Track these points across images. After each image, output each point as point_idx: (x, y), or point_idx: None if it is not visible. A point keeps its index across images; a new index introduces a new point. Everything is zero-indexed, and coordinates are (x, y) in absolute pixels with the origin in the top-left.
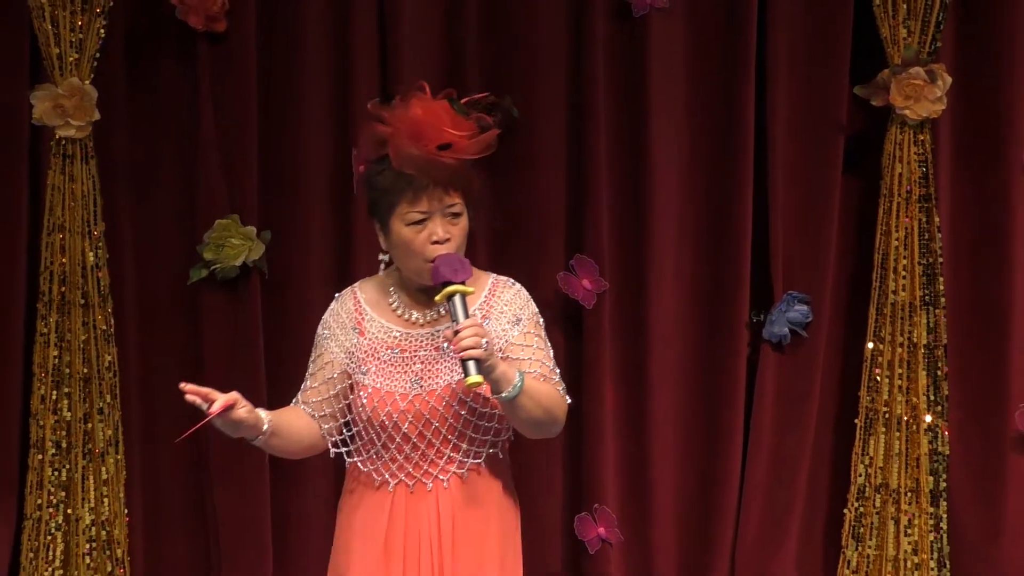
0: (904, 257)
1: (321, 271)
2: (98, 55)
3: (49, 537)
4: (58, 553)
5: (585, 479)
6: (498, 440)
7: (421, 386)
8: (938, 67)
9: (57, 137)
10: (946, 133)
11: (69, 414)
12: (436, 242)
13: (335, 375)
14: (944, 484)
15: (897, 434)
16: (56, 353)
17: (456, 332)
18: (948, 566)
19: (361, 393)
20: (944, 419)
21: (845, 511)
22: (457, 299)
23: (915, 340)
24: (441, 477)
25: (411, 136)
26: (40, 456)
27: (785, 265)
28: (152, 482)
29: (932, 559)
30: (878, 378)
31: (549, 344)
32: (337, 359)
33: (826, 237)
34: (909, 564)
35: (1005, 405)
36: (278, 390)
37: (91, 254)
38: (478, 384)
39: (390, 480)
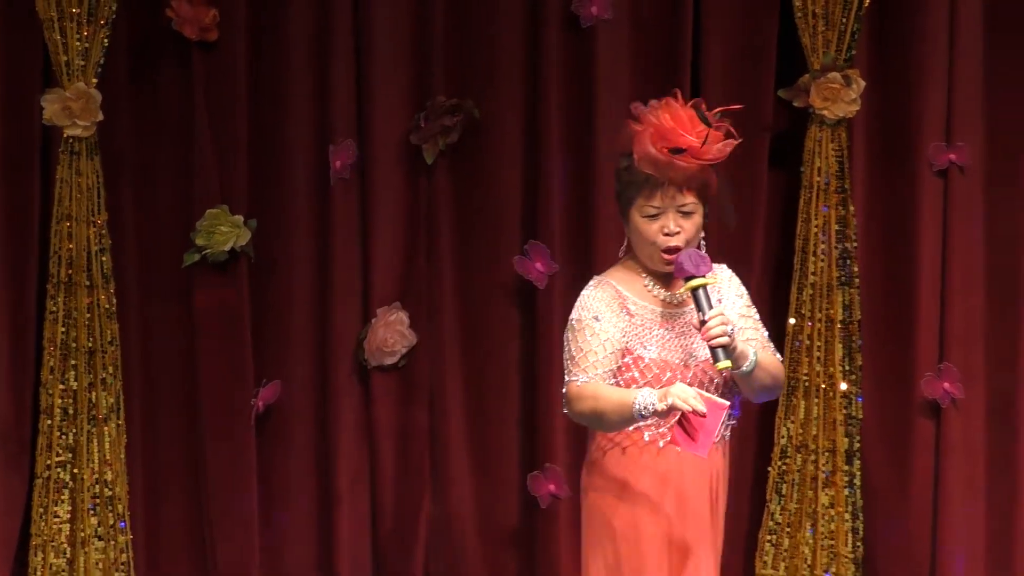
0: (822, 242)
1: (302, 255)
2: (102, 62)
3: (57, 494)
4: (65, 508)
5: (538, 441)
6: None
7: (693, 356)
8: (853, 72)
9: (65, 136)
10: (860, 131)
11: (75, 384)
12: (667, 234)
13: (615, 350)
14: (858, 445)
15: (816, 400)
16: (63, 329)
17: (703, 322)
18: (861, 518)
19: (639, 364)
20: (858, 387)
21: (769, 469)
22: (701, 291)
23: (832, 316)
24: (716, 441)
25: (653, 138)
26: (49, 421)
27: (716, 247)
28: (151, 445)
29: (847, 512)
30: (799, 350)
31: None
32: (614, 336)
33: (753, 224)
34: (826, 517)
35: (912, 374)
36: (262, 362)
37: (95, 241)
38: (727, 368)
39: (661, 442)
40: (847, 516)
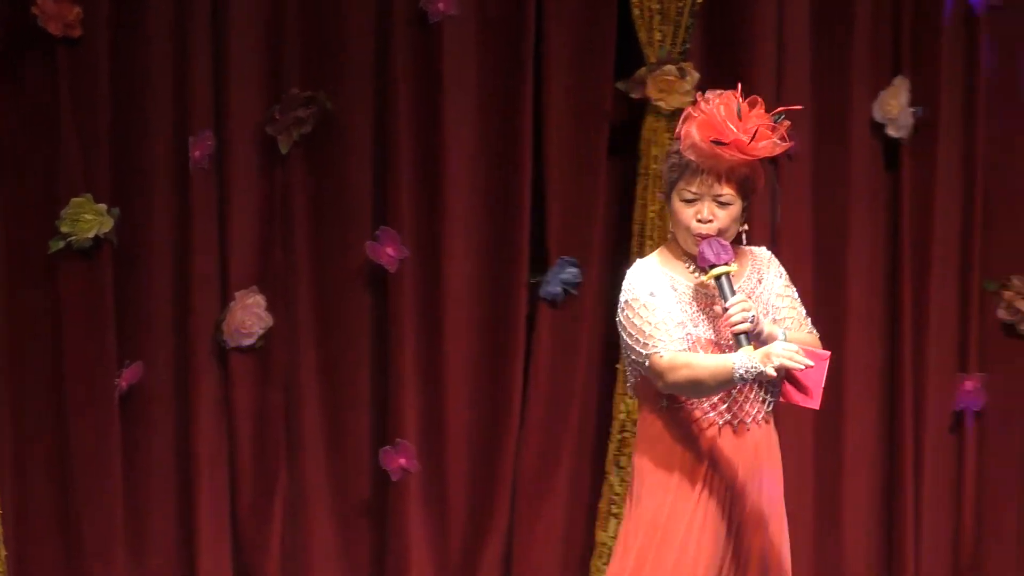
0: (658, 226)
1: (163, 242)
2: None
3: None
4: None
5: (388, 417)
6: (775, 390)
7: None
8: (687, 65)
9: None
10: None
11: None
12: (700, 221)
13: (679, 321)
14: None
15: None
16: None
17: (725, 310)
18: None
19: (690, 339)
20: None
21: (609, 442)
22: (724, 279)
23: None
24: (759, 418)
25: (700, 126)
26: None
27: (559, 234)
28: (17, 427)
29: None
30: None
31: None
32: (673, 309)
33: (593, 209)
34: None
35: None
36: (125, 344)
37: None
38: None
39: (717, 420)
40: None
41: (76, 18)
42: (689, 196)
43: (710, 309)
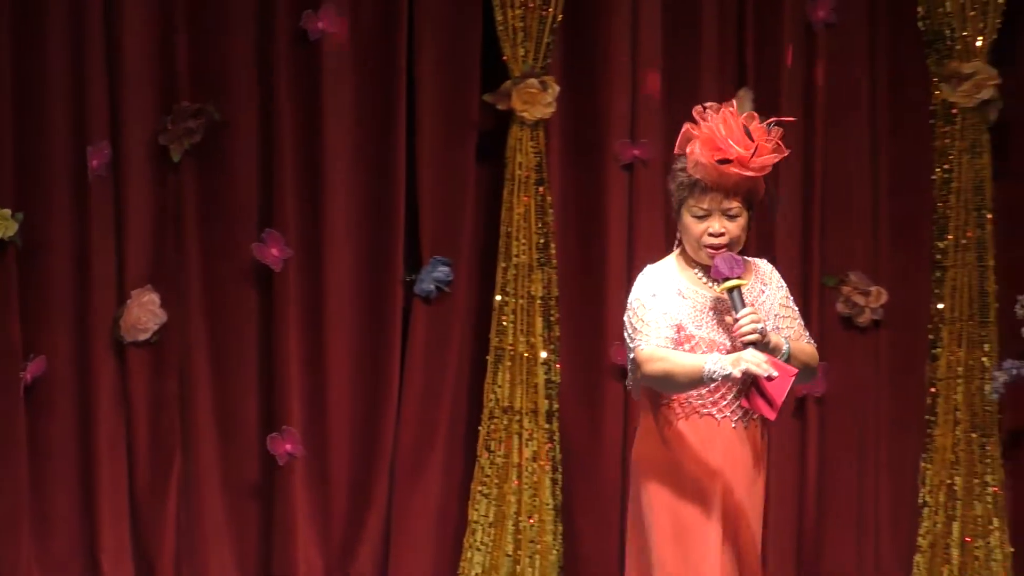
0: (524, 228)
1: (64, 244)
2: None
3: None
4: None
5: (275, 406)
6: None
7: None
8: (549, 79)
9: None
10: (556, 130)
11: None
12: (712, 235)
13: (673, 323)
14: (556, 405)
15: (520, 367)
16: None
17: (736, 320)
18: (560, 469)
19: (691, 340)
20: (556, 355)
21: (480, 428)
22: (736, 292)
23: (533, 293)
24: (754, 417)
25: (704, 145)
26: None
27: (431, 235)
28: None
29: (548, 465)
30: (504, 323)
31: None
32: (671, 310)
33: (463, 213)
34: (529, 469)
35: (603, 343)
36: (30, 339)
37: None
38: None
39: (717, 415)
40: (548, 468)
41: None
42: (700, 212)
43: (716, 314)
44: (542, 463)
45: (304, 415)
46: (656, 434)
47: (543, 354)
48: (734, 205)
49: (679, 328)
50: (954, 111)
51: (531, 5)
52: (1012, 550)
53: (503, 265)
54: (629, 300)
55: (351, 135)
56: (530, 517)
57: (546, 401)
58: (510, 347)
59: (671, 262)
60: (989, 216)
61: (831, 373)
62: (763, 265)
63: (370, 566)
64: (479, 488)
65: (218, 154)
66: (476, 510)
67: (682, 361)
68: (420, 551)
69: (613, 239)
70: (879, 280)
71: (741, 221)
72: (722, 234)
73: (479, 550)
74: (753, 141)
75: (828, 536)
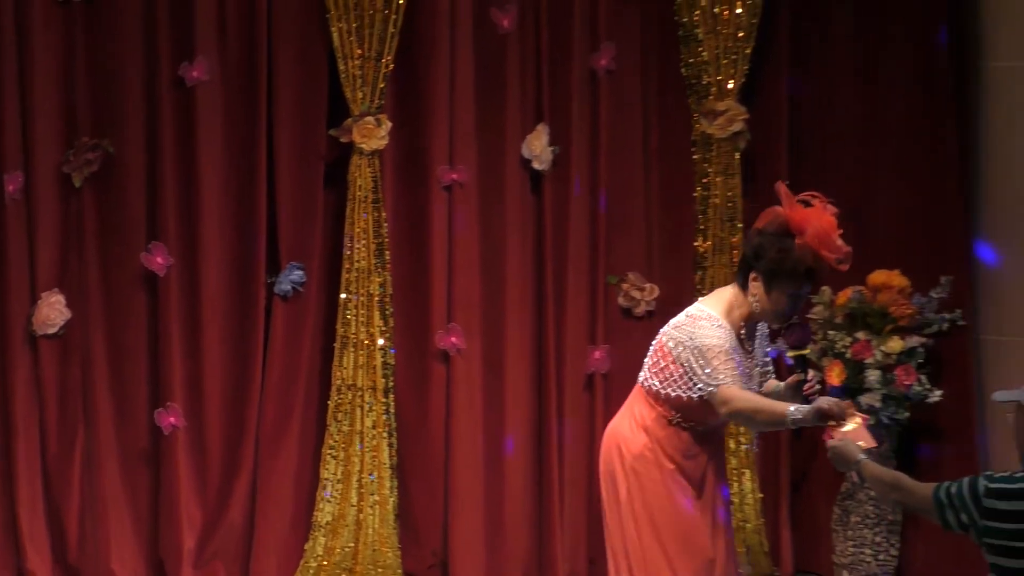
0: (363, 238)
1: None
2: None
3: None
4: None
5: (161, 386)
6: None
7: (751, 379)
8: (382, 116)
9: None
10: (389, 158)
11: None
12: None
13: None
14: (391, 383)
15: (362, 352)
16: None
17: (805, 380)
18: (394, 435)
19: None
20: (390, 341)
21: (329, 402)
22: (802, 358)
23: (371, 292)
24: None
25: (818, 241)
26: None
27: (288, 245)
28: None
29: (385, 432)
30: (348, 316)
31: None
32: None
33: (314, 227)
34: (370, 435)
35: (429, 331)
36: None
37: None
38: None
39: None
40: (385, 434)
41: None
42: (797, 293)
43: (743, 360)
44: (380, 430)
45: (185, 394)
46: (672, 446)
47: (380, 341)
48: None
49: None
50: (711, 141)
51: (367, 56)
52: (761, 495)
53: (347, 268)
54: (698, 342)
55: (221, 164)
56: (371, 474)
57: (383, 380)
58: (353, 336)
59: (722, 320)
60: (740, 225)
61: (614, 354)
62: (762, 327)
63: (240, 518)
64: (328, 451)
65: (112, 180)
66: (327, 469)
67: (767, 404)
68: (281, 504)
69: (436, 247)
70: (652, 278)
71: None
72: (798, 304)
73: (329, 502)
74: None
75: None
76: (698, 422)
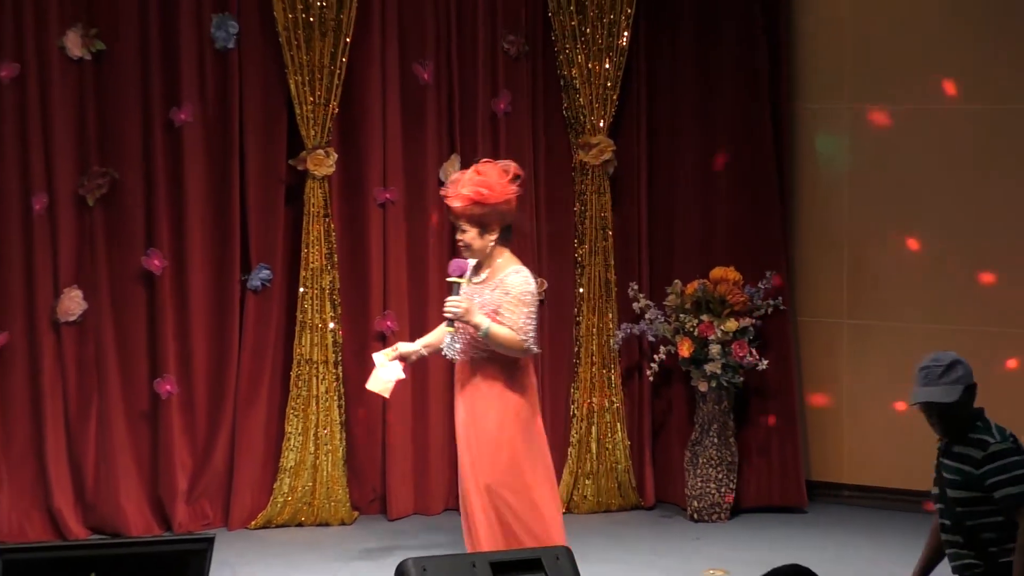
0: (316, 245)
1: (19, 262)
2: None
3: None
4: None
5: (159, 361)
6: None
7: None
8: (330, 149)
9: None
10: (336, 181)
11: None
12: (457, 240)
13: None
14: (340, 357)
15: (316, 333)
16: None
17: (446, 302)
18: (343, 398)
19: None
20: (339, 325)
21: (291, 372)
22: (454, 286)
23: (323, 286)
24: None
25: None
26: None
27: (257, 250)
28: None
29: (335, 395)
30: (306, 306)
31: (526, 308)
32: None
33: (277, 235)
34: (324, 398)
35: (368, 317)
36: None
37: None
38: (451, 331)
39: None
40: (335, 397)
41: None
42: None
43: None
44: (331, 395)
45: (177, 366)
46: (520, 385)
47: (331, 325)
48: (464, 227)
49: None
50: (586, 167)
51: (317, 102)
52: (629, 443)
53: (304, 268)
54: (527, 292)
55: (203, 186)
56: (324, 429)
57: (333, 355)
58: (309, 321)
59: None
60: (610, 233)
61: None
62: (508, 272)
63: (222, 464)
64: (291, 411)
65: (117, 200)
66: (290, 425)
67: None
68: (254, 452)
69: (373, 251)
70: (542, 275)
71: (470, 236)
72: (462, 244)
73: (292, 451)
74: (465, 185)
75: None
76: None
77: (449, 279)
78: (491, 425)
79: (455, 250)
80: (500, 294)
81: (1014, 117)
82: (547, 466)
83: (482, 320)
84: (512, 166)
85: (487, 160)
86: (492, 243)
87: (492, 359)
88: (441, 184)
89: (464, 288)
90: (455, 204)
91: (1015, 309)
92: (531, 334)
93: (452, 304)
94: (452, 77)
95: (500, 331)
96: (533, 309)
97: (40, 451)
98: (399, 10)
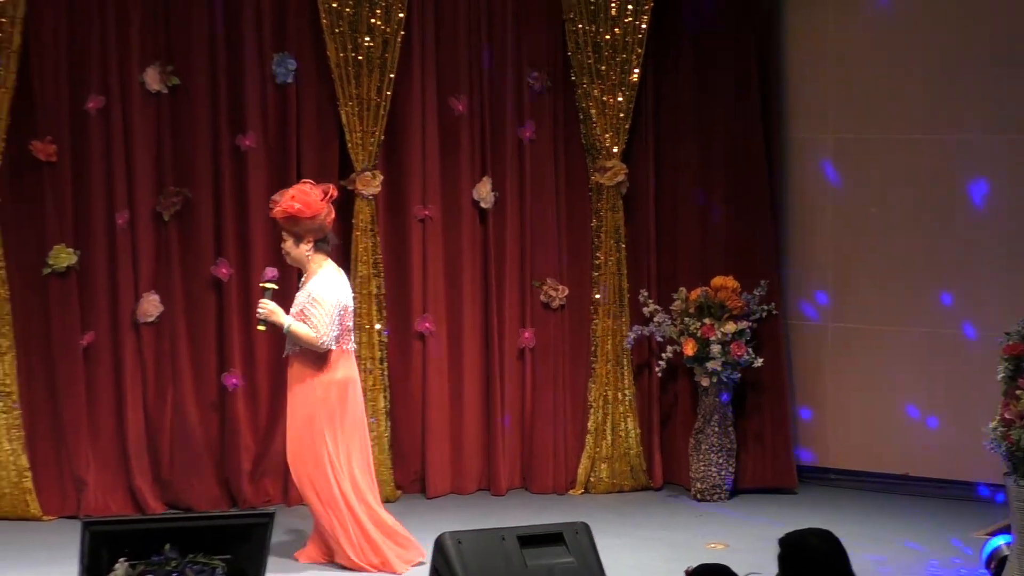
0: (364, 255)
1: (102, 269)
2: None
3: None
4: None
5: (226, 357)
6: (295, 348)
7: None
8: (376, 171)
9: None
10: (381, 199)
11: None
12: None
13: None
14: (386, 354)
15: (364, 333)
16: None
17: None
18: (388, 389)
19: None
20: (385, 326)
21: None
22: (266, 291)
23: (371, 292)
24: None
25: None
26: None
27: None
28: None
29: (382, 386)
30: (358, 310)
31: (325, 310)
32: None
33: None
34: (371, 391)
35: (410, 319)
36: (85, 321)
37: None
38: (261, 329)
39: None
40: (382, 388)
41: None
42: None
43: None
44: (378, 387)
45: (243, 362)
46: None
47: (377, 326)
48: (284, 237)
49: None
50: (602, 188)
51: (366, 130)
52: (640, 431)
53: (353, 275)
54: (326, 295)
55: (265, 204)
56: (372, 418)
57: (379, 352)
58: (359, 322)
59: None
60: (623, 246)
61: (538, 335)
62: (314, 283)
63: (281, 447)
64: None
65: (190, 216)
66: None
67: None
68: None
69: (414, 261)
70: (564, 282)
71: (288, 246)
72: (284, 252)
73: None
74: (288, 199)
75: (538, 423)
76: None
77: (262, 284)
78: (299, 412)
79: (487, 259)
80: (305, 296)
81: (966, 147)
82: (363, 448)
83: (285, 319)
84: (331, 188)
85: (307, 180)
86: (308, 252)
87: (304, 353)
88: (474, 203)
89: (272, 294)
90: (274, 215)
91: (964, 316)
92: (329, 332)
93: (261, 306)
94: (483, 109)
95: (299, 328)
96: (332, 310)
97: (122, 436)
98: (437, 50)
